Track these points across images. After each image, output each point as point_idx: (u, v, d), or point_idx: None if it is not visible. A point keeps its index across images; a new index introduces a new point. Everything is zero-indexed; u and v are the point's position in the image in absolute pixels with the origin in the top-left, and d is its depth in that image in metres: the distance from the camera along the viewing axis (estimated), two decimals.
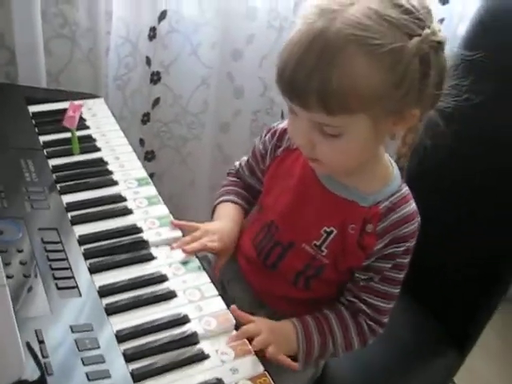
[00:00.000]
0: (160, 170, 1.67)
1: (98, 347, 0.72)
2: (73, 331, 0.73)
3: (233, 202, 1.04)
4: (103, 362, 0.71)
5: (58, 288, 0.79)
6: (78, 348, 0.71)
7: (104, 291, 0.81)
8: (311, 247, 0.90)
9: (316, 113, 0.73)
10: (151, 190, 1.02)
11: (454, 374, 1.19)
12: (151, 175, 1.60)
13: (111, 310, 0.78)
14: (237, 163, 1.10)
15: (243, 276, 1.02)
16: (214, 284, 0.87)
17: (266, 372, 0.75)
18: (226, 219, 1.01)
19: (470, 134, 1.01)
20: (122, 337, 0.75)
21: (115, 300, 0.80)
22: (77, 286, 0.80)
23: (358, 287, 0.91)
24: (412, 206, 0.87)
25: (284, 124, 0.95)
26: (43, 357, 0.68)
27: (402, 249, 0.87)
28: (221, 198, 1.06)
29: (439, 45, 0.74)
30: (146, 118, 1.54)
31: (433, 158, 0.88)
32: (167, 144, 1.64)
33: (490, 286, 1.11)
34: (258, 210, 1.03)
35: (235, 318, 0.82)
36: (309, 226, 0.90)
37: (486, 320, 1.13)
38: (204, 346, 0.77)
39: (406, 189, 0.88)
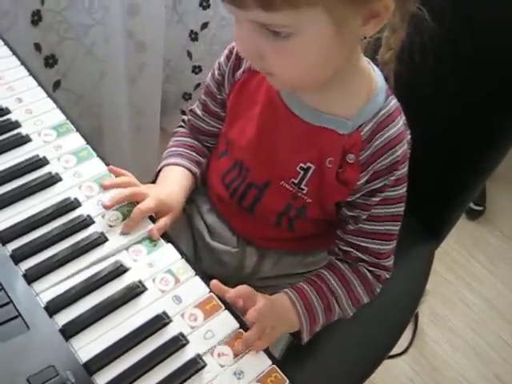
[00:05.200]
0: (63, 68, 1.37)
1: None
2: None
3: (179, 165, 0.85)
4: None
5: None
6: None
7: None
8: (290, 185, 0.76)
9: (252, 10, 0.56)
10: (76, 139, 0.79)
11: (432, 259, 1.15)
12: (57, 83, 1.32)
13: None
14: (184, 116, 0.92)
15: (220, 214, 0.88)
16: None
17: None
18: (169, 184, 0.82)
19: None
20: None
21: None
22: None
23: (349, 232, 0.78)
24: (399, 125, 0.72)
25: None
26: None
27: (392, 179, 0.72)
28: (163, 162, 0.86)
29: None
30: (36, 18, 1.21)
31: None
32: (65, 36, 1.32)
33: (466, 176, 1.04)
34: (224, 144, 0.84)
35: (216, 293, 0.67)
36: (282, 162, 0.76)
37: (461, 205, 1.11)
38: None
39: (393, 102, 0.73)
